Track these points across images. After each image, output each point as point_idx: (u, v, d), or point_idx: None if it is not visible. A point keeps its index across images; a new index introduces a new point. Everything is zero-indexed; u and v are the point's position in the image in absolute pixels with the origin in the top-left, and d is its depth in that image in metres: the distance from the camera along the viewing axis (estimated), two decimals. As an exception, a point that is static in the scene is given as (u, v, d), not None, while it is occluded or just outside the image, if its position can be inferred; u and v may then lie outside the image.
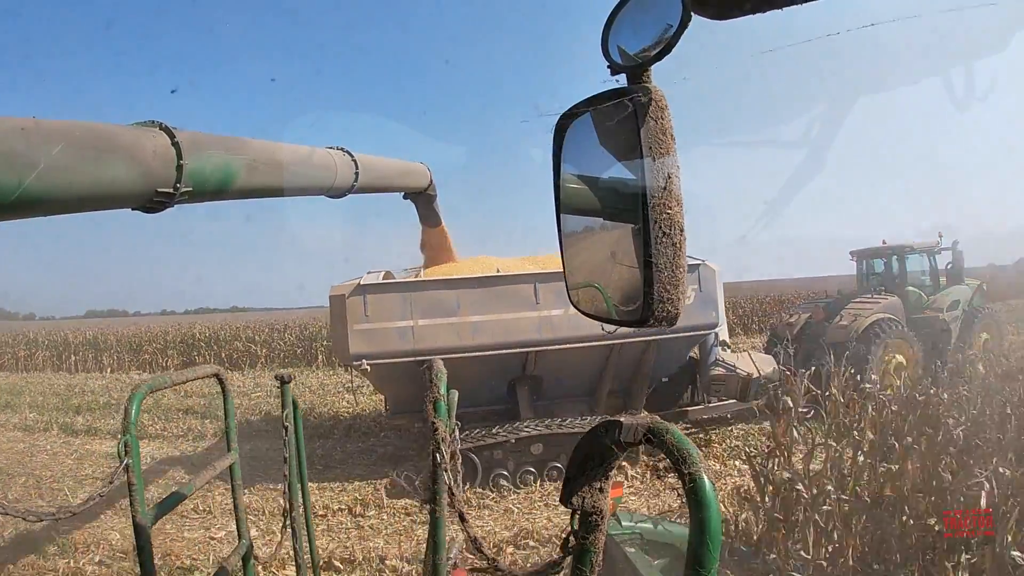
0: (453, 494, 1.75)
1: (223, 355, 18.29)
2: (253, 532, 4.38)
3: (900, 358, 8.49)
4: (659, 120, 0.61)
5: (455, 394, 2.17)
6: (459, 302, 6.38)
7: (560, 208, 0.75)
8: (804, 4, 0.54)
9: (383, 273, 7.16)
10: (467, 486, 6.18)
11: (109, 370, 18.56)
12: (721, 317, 7.11)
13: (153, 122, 2.82)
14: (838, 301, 9.54)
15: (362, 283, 6.31)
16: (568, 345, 6.41)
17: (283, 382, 2.80)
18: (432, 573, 1.81)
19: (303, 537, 2.94)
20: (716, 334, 7.49)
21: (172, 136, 2.78)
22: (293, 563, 2.97)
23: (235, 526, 2.53)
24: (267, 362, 17.61)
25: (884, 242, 10.12)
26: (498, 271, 6.86)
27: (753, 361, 7.67)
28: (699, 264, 6.77)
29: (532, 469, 6.36)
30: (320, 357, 17.33)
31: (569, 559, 0.78)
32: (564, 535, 0.77)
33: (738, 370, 7.53)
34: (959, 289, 9.82)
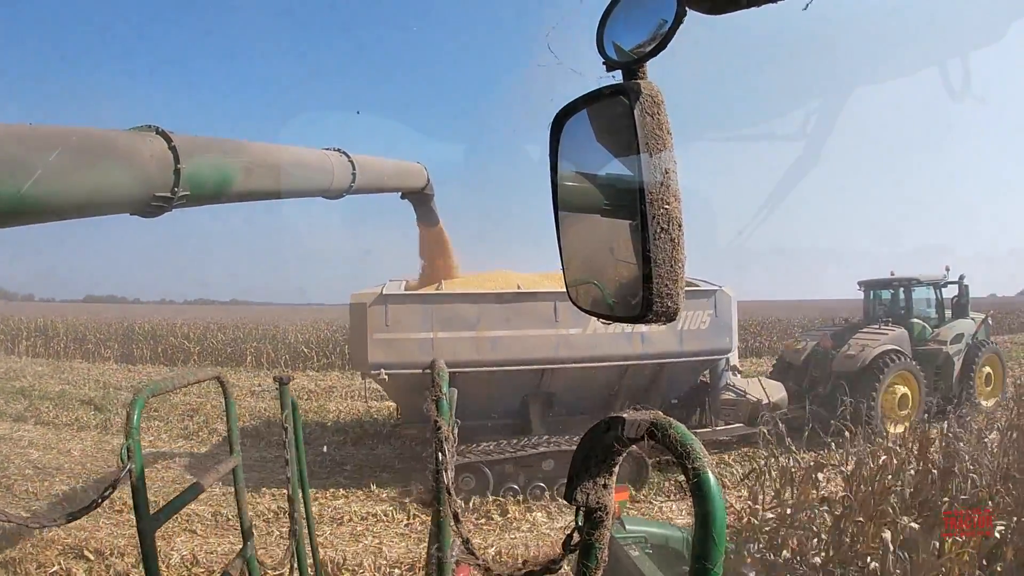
0: (449, 493, 1.74)
1: (159, 349, 18.76)
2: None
3: (904, 390, 8.47)
4: (655, 116, 0.61)
5: (455, 392, 2.18)
6: (479, 316, 6.39)
7: (558, 205, 0.75)
8: None
9: (404, 282, 7.14)
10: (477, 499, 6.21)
11: (24, 356, 18.88)
12: (734, 342, 7.15)
13: (150, 126, 2.80)
14: (845, 330, 9.53)
15: (384, 292, 6.28)
16: (584, 364, 6.43)
17: (282, 383, 2.79)
18: (436, 571, 1.81)
19: (304, 539, 2.94)
20: (727, 359, 7.51)
21: (169, 140, 2.77)
22: (295, 566, 2.98)
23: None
24: (199, 359, 18.04)
25: (892, 273, 10.12)
26: (519, 287, 6.86)
27: (763, 387, 7.70)
28: (716, 290, 6.80)
29: (542, 484, 6.38)
30: (249, 358, 17.74)
31: (568, 557, 0.78)
32: (567, 533, 0.77)
33: (748, 395, 7.56)
34: (964, 323, 9.77)
